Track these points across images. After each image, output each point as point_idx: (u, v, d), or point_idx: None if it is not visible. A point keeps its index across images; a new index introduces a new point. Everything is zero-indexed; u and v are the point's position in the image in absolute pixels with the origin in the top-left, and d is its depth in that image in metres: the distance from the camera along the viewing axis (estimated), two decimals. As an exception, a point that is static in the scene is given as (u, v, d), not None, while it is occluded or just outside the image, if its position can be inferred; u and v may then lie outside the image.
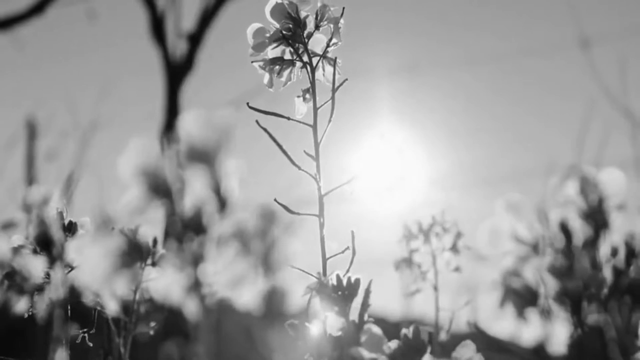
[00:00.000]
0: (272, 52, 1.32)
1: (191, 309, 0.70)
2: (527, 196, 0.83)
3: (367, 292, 1.13)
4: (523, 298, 0.80)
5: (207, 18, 9.22)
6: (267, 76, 1.34)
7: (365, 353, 1.02)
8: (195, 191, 0.69)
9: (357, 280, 1.13)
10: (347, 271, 1.20)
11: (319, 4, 1.32)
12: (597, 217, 0.78)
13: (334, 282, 1.12)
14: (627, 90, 7.87)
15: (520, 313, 0.80)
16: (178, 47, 9.24)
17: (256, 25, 1.31)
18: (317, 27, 1.32)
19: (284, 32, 1.30)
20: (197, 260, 0.68)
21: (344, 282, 1.12)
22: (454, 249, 1.54)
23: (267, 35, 1.31)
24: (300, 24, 1.30)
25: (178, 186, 0.69)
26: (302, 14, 1.31)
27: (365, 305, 1.13)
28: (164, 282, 0.69)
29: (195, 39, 9.17)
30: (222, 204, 0.69)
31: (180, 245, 0.68)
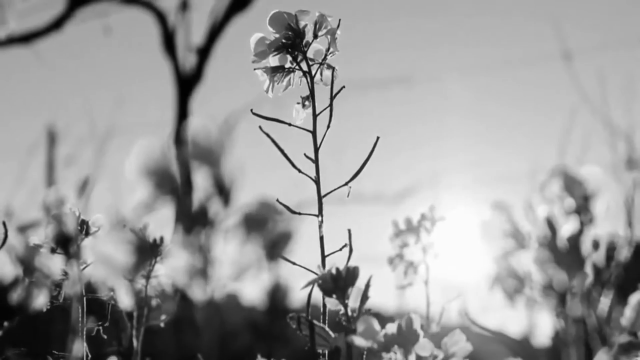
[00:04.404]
0: (272, 59, 1.32)
1: (199, 301, 0.70)
2: (513, 196, 0.83)
3: (367, 286, 1.14)
4: (512, 284, 0.80)
5: (215, 33, 9.24)
6: (267, 82, 1.33)
7: (360, 341, 1.02)
8: (201, 188, 0.69)
9: (356, 269, 1.13)
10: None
11: (316, 15, 1.31)
12: (581, 213, 0.78)
13: (333, 271, 1.12)
14: (606, 100, 7.86)
15: (510, 298, 0.80)
16: (188, 59, 9.26)
17: (258, 35, 1.30)
18: (315, 36, 1.32)
19: (284, 40, 1.29)
20: (204, 252, 0.68)
21: (343, 271, 1.12)
22: (445, 245, 1.53)
23: (268, 42, 1.30)
24: (299, 34, 1.30)
25: (185, 184, 0.68)
26: (302, 24, 1.30)
27: (364, 297, 1.13)
28: (173, 276, 0.69)
29: (204, 52, 9.19)
30: (226, 200, 0.68)
31: (188, 239, 0.68)
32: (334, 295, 1.12)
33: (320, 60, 1.32)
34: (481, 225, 0.83)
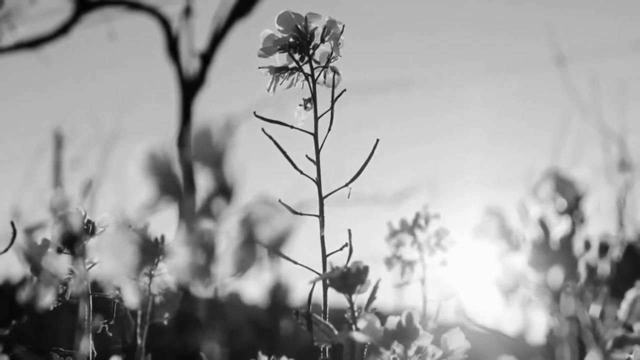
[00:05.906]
0: (279, 58, 1.31)
1: (202, 299, 0.70)
2: (509, 198, 0.83)
3: (375, 288, 1.15)
4: (507, 284, 0.80)
5: (217, 38, 9.23)
6: (269, 82, 1.33)
7: (362, 337, 1.02)
8: (204, 188, 0.69)
9: (365, 268, 1.14)
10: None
11: (326, 19, 1.30)
12: (572, 213, 0.78)
13: (343, 270, 1.13)
14: (599, 104, 7.86)
15: (505, 297, 0.80)
16: (191, 64, 9.26)
17: (268, 31, 1.29)
18: (322, 40, 1.31)
19: (291, 40, 1.29)
20: (207, 251, 0.68)
21: (353, 269, 1.13)
22: (439, 244, 1.53)
23: (275, 39, 1.29)
24: (306, 36, 1.29)
25: (188, 184, 0.69)
26: (311, 27, 1.29)
27: (372, 297, 1.15)
28: (176, 275, 0.69)
29: (207, 57, 9.19)
30: (229, 199, 0.69)
31: (191, 238, 0.68)
32: (342, 291, 1.13)
33: (323, 64, 1.32)
34: (476, 227, 0.84)
